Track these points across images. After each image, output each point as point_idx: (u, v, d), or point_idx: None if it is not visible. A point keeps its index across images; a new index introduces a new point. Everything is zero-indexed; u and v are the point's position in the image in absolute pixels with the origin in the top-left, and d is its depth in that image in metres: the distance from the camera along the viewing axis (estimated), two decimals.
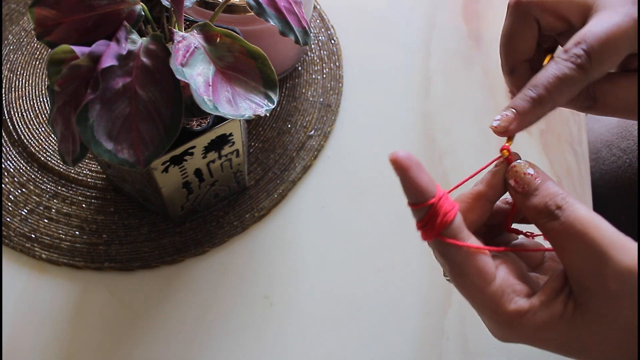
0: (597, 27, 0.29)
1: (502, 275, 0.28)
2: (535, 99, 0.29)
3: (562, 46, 0.32)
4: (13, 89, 0.53)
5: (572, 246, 0.26)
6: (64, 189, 0.49)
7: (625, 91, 0.31)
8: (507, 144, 0.30)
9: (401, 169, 0.26)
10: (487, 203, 0.30)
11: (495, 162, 0.30)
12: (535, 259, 0.32)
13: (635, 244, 0.26)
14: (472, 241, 0.28)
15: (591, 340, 0.27)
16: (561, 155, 0.55)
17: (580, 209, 0.26)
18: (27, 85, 0.54)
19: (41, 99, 0.53)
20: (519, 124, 0.29)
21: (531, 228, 0.31)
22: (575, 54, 0.29)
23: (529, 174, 0.28)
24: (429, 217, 0.27)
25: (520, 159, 0.30)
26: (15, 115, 0.52)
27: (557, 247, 0.27)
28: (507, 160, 0.30)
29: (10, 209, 0.48)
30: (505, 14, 0.33)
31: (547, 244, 0.29)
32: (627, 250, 0.25)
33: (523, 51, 0.32)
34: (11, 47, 0.56)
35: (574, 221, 0.26)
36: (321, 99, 0.56)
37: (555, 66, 0.29)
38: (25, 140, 0.51)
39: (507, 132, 0.29)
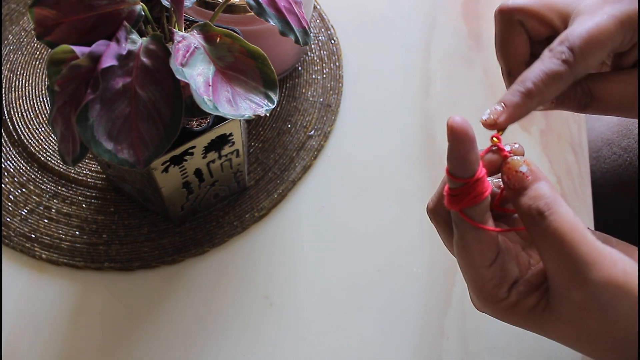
0: (579, 27, 0.30)
1: (499, 262, 0.29)
2: (524, 93, 0.30)
3: None
4: (13, 89, 0.53)
5: (549, 254, 0.27)
6: (64, 189, 0.49)
7: (621, 88, 0.32)
8: (498, 134, 0.31)
9: (455, 138, 0.27)
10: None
11: (488, 151, 0.31)
12: None
13: (618, 256, 0.27)
14: (489, 224, 0.29)
15: (554, 336, 0.29)
16: (561, 155, 0.55)
17: (564, 217, 0.27)
18: (27, 85, 0.54)
19: (41, 99, 0.53)
20: (508, 117, 0.30)
21: None
22: (559, 51, 0.30)
23: (521, 172, 0.29)
24: (462, 192, 0.28)
25: (523, 153, 0.31)
26: (15, 115, 0.52)
27: (538, 250, 0.28)
28: (498, 148, 0.31)
29: (10, 209, 0.48)
30: (494, 22, 0.34)
31: None
32: (603, 265, 0.26)
33: (517, 55, 0.34)
34: (11, 47, 0.56)
35: (554, 230, 0.27)
36: (321, 99, 0.56)
37: (542, 63, 0.30)
38: (25, 140, 0.51)
39: (495, 125, 0.30)
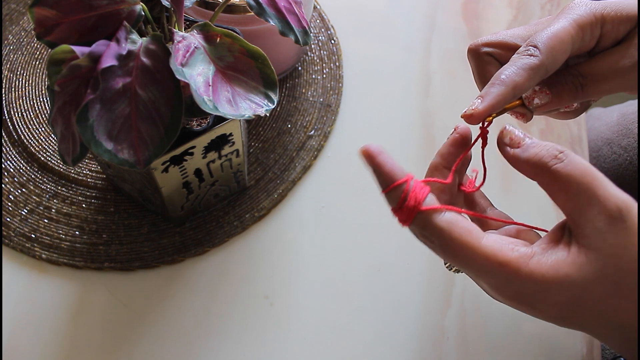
0: (541, 31, 0.33)
1: (492, 236, 0.29)
2: (496, 83, 0.32)
3: None
4: (13, 89, 0.53)
5: (575, 188, 0.28)
6: (64, 189, 0.49)
7: (609, 61, 0.34)
8: (483, 126, 0.33)
9: (370, 156, 0.29)
10: (444, 171, 0.33)
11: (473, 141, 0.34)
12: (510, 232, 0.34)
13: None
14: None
15: (597, 286, 0.27)
16: None
17: (578, 157, 0.29)
18: (27, 85, 0.54)
19: (41, 99, 0.53)
20: (485, 108, 0.32)
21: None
22: (525, 49, 0.33)
23: (521, 133, 0.31)
24: (404, 196, 0.28)
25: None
26: (15, 115, 0.52)
27: (560, 190, 0.28)
28: (483, 133, 0.33)
29: (10, 209, 0.48)
30: (469, 62, 0.37)
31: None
32: (619, 194, 0.28)
33: None
34: (11, 47, 0.56)
35: (578, 164, 0.28)
36: (321, 99, 0.56)
37: (511, 62, 0.33)
38: (25, 140, 0.51)
39: (473, 116, 0.32)
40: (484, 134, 0.33)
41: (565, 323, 0.29)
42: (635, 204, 0.27)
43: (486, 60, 0.36)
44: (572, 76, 0.34)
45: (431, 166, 0.34)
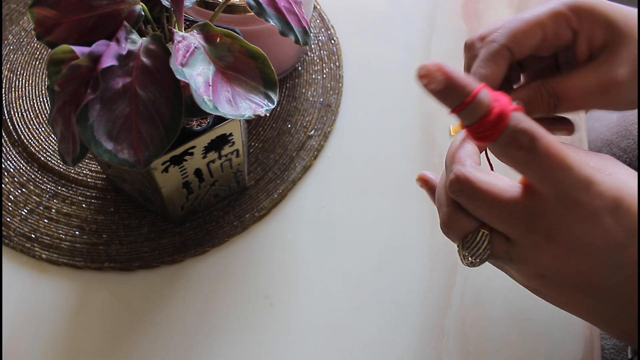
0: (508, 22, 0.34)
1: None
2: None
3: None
4: (13, 89, 0.53)
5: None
6: (64, 189, 0.49)
7: (582, 81, 0.33)
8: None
9: (438, 70, 0.25)
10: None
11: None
12: None
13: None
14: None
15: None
16: None
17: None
18: (27, 85, 0.54)
19: (41, 99, 0.53)
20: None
21: None
22: (486, 38, 0.34)
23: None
24: (494, 97, 0.25)
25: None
26: (15, 115, 0.52)
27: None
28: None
29: (10, 209, 0.48)
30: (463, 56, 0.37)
31: None
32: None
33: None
34: (11, 47, 0.56)
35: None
36: (321, 99, 0.56)
37: (478, 56, 0.33)
38: (25, 140, 0.51)
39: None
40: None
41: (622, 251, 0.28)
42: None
43: (477, 55, 0.35)
44: (546, 95, 0.34)
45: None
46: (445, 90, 0.25)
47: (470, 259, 0.31)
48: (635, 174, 0.29)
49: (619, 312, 0.29)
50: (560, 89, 0.34)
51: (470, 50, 0.36)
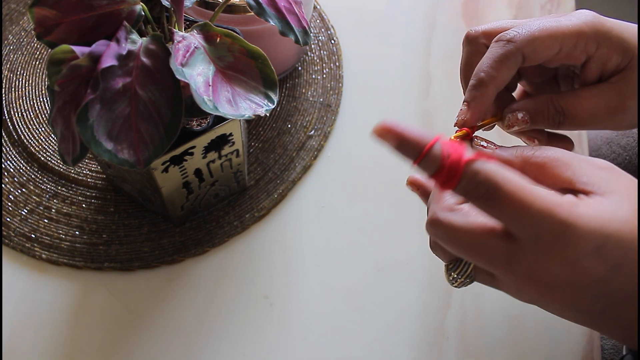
0: (535, 20, 0.33)
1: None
2: (476, 85, 0.32)
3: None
4: (13, 89, 0.53)
5: (561, 162, 0.29)
6: (64, 189, 0.49)
7: (591, 103, 0.33)
8: (469, 129, 0.33)
9: (389, 131, 0.26)
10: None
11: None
12: None
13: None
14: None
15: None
16: None
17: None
18: (27, 85, 0.54)
19: (41, 99, 0.53)
20: (472, 113, 0.32)
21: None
22: (503, 35, 0.33)
23: (485, 143, 0.32)
24: (445, 153, 0.26)
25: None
26: (15, 115, 0.52)
27: (548, 169, 0.29)
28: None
29: (10, 209, 0.48)
30: (462, 47, 0.36)
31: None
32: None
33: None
34: (11, 47, 0.56)
35: (551, 148, 0.29)
36: (321, 99, 0.56)
37: (489, 51, 0.33)
38: (25, 140, 0.51)
39: (466, 123, 0.32)
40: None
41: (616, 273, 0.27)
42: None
43: (480, 50, 0.35)
44: (553, 110, 0.34)
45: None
46: (399, 147, 0.26)
47: (454, 283, 0.33)
48: (635, 182, 0.29)
49: (613, 327, 0.29)
50: (568, 108, 0.33)
51: (472, 44, 0.35)
